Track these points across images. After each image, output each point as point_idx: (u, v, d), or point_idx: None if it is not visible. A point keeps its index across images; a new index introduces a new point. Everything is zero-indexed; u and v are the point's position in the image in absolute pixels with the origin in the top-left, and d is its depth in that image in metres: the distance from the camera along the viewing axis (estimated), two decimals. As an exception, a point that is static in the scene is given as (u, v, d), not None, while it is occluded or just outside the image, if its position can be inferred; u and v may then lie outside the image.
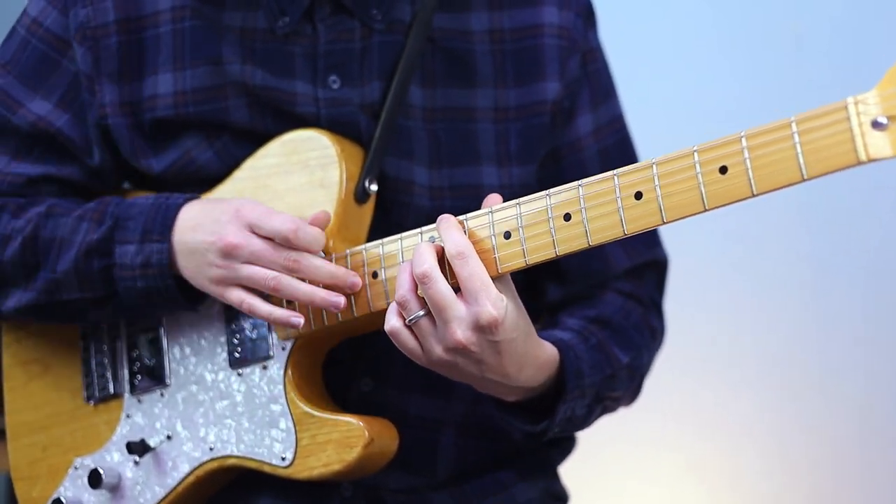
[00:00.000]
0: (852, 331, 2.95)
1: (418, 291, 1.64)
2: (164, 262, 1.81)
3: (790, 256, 3.02)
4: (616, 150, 2.02)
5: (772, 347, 2.99)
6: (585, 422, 1.88)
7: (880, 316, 2.93)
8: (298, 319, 1.77)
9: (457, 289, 1.63)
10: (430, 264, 1.62)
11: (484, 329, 1.61)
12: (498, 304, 1.61)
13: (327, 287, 1.76)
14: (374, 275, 1.76)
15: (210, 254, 1.78)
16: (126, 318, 1.93)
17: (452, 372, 1.69)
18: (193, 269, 1.81)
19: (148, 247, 1.82)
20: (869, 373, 2.94)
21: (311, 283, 1.76)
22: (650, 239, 2.03)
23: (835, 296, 2.98)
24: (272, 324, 1.82)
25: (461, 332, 1.61)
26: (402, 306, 1.65)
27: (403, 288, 1.65)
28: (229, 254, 1.77)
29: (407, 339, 1.67)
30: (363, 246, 1.78)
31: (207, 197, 1.88)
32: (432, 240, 1.70)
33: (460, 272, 1.62)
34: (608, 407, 1.92)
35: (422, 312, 1.64)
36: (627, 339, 1.94)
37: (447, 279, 1.64)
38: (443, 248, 1.65)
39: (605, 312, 1.95)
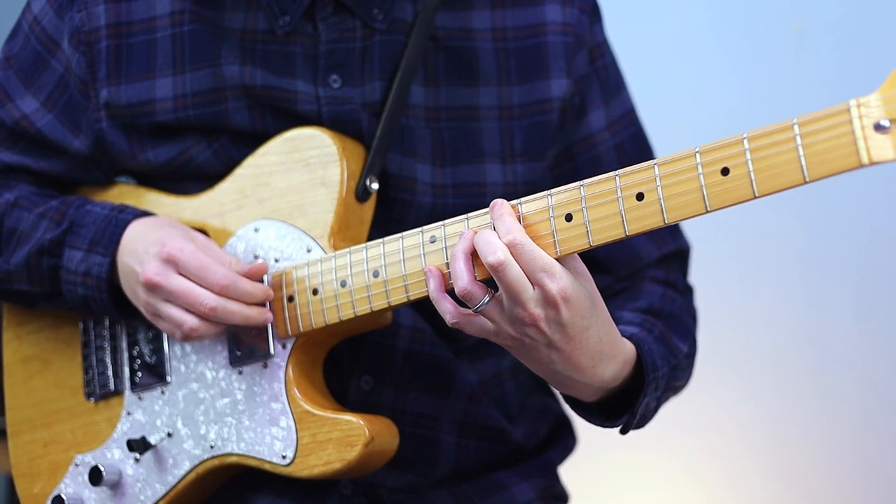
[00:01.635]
0: (849, 331, 2.95)
1: (476, 274, 1.62)
2: (102, 276, 1.87)
3: (785, 256, 3.02)
4: (631, 143, 2.02)
5: (768, 348, 2.99)
6: (654, 413, 1.86)
7: (877, 315, 2.93)
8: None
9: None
10: (503, 252, 1.59)
11: (550, 304, 1.58)
12: (562, 281, 1.58)
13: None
14: (375, 274, 1.76)
15: (137, 285, 1.83)
16: (75, 312, 1.97)
17: (524, 354, 1.66)
18: (129, 292, 1.87)
19: (92, 257, 1.87)
20: (866, 373, 2.94)
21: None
22: (674, 228, 2.03)
23: (831, 296, 2.97)
24: None
25: (531, 307, 1.58)
26: (466, 298, 1.62)
27: (463, 280, 1.62)
28: (150, 289, 1.81)
29: (472, 323, 1.65)
30: (364, 245, 1.78)
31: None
32: (433, 239, 1.71)
33: (521, 257, 1.58)
34: (669, 397, 1.90)
35: (487, 298, 1.62)
36: (682, 327, 1.94)
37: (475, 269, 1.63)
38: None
39: (653, 302, 1.94)
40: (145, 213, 1.90)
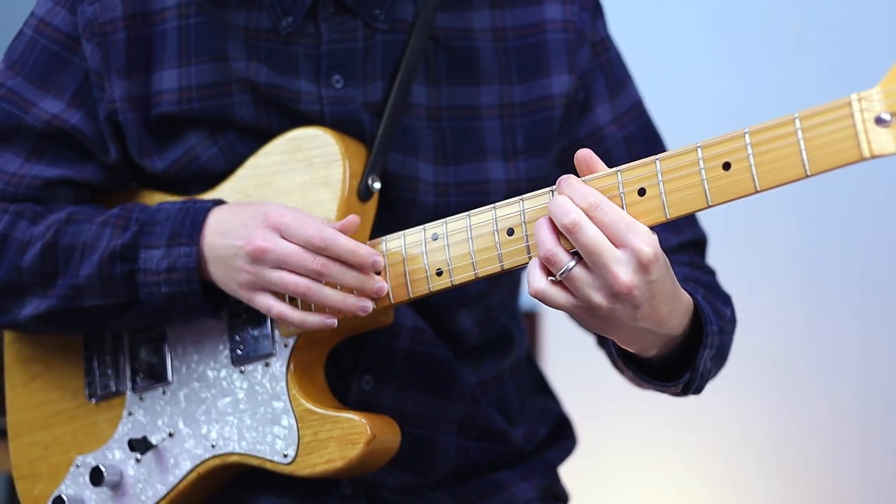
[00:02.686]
0: (851, 329, 2.95)
1: (562, 244, 1.57)
2: (191, 266, 1.80)
3: (787, 254, 3.02)
4: (640, 135, 2.01)
5: (770, 345, 2.99)
6: (708, 378, 1.80)
7: (879, 313, 2.93)
8: (332, 321, 1.76)
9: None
10: (576, 212, 1.55)
11: (644, 268, 1.53)
12: (651, 240, 1.55)
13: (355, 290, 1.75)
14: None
15: (238, 259, 1.77)
16: (146, 325, 1.91)
17: (608, 322, 1.60)
18: (223, 274, 1.80)
19: (175, 251, 1.81)
20: (868, 371, 2.94)
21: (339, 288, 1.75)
22: (690, 217, 2.00)
23: (833, 294, 2.98)
24: (305, 328, 1.80)
25: (625, 276, 1.53)
26: (549, 262, 1.57)
27: (548, 242, 1.57)
28: (257, 258, 1.75)
29: (555, 295, 1.59)
30: (367, 243, 1.78)
31: (236, 200, 1.87)
32: (435, 237, 1.71)
33: (603, 220, 1.54)
34: (718, 367, 1.85)
35: (573, 263, 1.56)
36: (721, 294, 1.91)
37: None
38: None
39: (686, 274, 1.90)
40: (220, 201, 1.85)
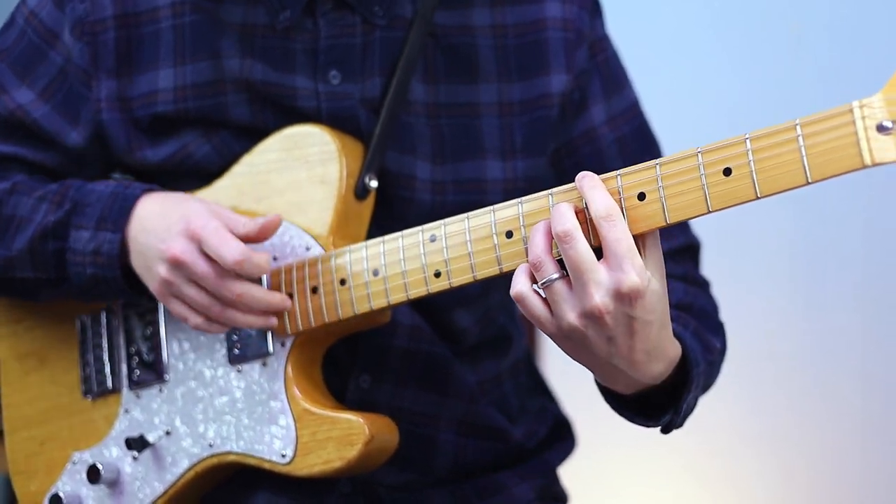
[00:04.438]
0: (849, 328, 2.95)
1: (553, 253, 1.57)
2: (113, 253, 1.83)
3: (784, 253, 3.02)
4: (634, 137, 1.99)
5: (768, 345, 2.99)
6: (690, 413, 1.79)
7: (877, 311, 2.93)
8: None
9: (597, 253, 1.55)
10: (572, 223, 1.53)
11: (623, 298, 1.51)
12: (642, 273, 1.52)
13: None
14: (375, 272, 1.76)
15: (157, 262, 1.79)
16: (79, 300, 1.94)
17: (579, 347, 1.59)
18: (142, 268, 1.82)
19: (101, 235, 1.84)
20: (866, 369, 2.94)
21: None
22: (682, 223, 2.00)
23: (831, 293, 2.98)
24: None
25: (599, 297, 1.51)
26: (535, 268, 1.56)
27: (538, 248, 1.56)
28: (174, 267, 1.78)
29: (534, 305, 1.58)
30: (364, 243, 1.78)
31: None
32: (433, 238, 1.71)
33: (608, 234, 1.52)
34: (700, 395, 1.83)
35: (556, 275, 1.55)
36: (713, 322, 1.90)
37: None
38: (582, 210, 1.57)
39: (680, 298, 1.89)
40: (151, 189, 1.87)
